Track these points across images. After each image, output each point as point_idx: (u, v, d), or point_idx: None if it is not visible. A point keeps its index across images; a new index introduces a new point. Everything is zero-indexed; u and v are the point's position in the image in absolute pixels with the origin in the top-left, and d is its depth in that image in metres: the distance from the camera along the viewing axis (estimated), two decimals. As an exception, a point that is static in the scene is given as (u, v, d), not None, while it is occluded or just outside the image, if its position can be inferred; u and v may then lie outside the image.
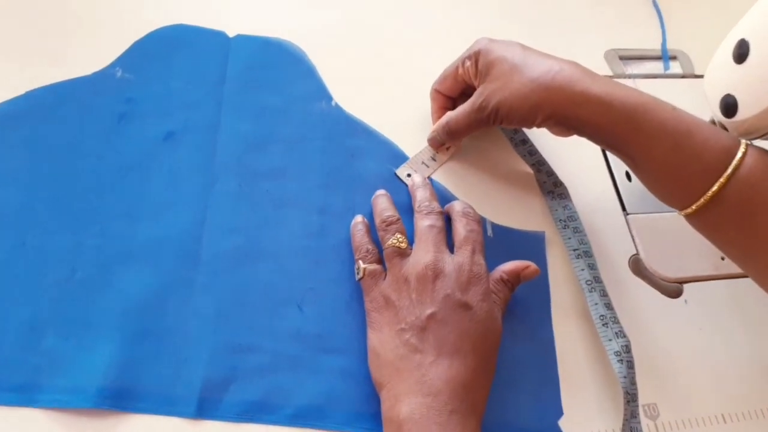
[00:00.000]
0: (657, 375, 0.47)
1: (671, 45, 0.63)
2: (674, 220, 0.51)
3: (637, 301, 0.50)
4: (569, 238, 0.50)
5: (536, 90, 0.44)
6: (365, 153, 0.52)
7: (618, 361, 0.44)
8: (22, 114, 0.49)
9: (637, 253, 0.52)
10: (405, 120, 0.55)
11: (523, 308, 0.47)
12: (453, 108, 0.51)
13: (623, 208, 0.54)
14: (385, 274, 0.44)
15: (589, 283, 0.48)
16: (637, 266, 0.51)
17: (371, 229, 0.48)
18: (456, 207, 0.48)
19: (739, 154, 0.39)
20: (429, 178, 0.52)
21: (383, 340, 0.42)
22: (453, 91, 0.52)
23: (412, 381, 0.39)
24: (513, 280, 0.45)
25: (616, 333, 0.45)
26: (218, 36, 0.56)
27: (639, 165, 0.43)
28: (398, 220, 0.47)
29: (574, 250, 0.50)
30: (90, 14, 0.55)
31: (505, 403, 0.44)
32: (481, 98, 0.47)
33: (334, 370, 0.43)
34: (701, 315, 0.50)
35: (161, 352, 0.42)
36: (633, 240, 0.52)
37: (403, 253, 0.44)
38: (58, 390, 0.40)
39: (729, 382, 0.48)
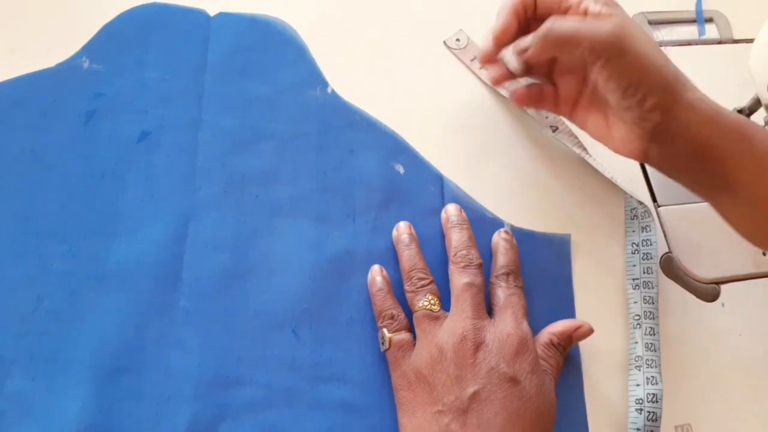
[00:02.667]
0: (691, 391, 0.42)
1: (707, 5, 0.55)
2: (710, 212, 0.45)
3: (668, 306, 0.44)
4: (633, 266, 0.44)
5: (657, 69, 0.35)
6: (366, 147, 0.46)
7: (637, 410, 0.39)
8: (-25, 116, 0.43)
9: (669, 252, 0.46)
10: (410, 108, 0.48)
11: (544, 321, 0.42)
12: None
13: (653, 199, 0.48)
14: (415, 343, 0.38)
15: (637, 318, 0.43)
16: (668, 266, 0.45)
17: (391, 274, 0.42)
18: (498, 264, 0.42)
19: None
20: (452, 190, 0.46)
21: (418, 426, 0.36)
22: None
23: None
24: (564, 343, 0.40)
25: (648, 378, 0.40)
26: (198, 15, 0.49)
27: (735, 196, 0.37)
28: (431, 280, 0.40)
29: (634, 279, 0.44)
30: (50, -4, 0.48)
31: None
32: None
33: (334, 403, 0.38)
34: (741, 319, 0.45)
35: (141, 390, 0.38)
36: (665, 236, 0.46)
37: (436, 318, 0.38)
38: (28, 438, 0.36)
39: (772, 397, 0.43)
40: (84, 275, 0.40)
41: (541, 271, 0.43)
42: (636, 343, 0.42)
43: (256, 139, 0.45)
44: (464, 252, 0.41)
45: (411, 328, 0.39)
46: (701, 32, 0.54)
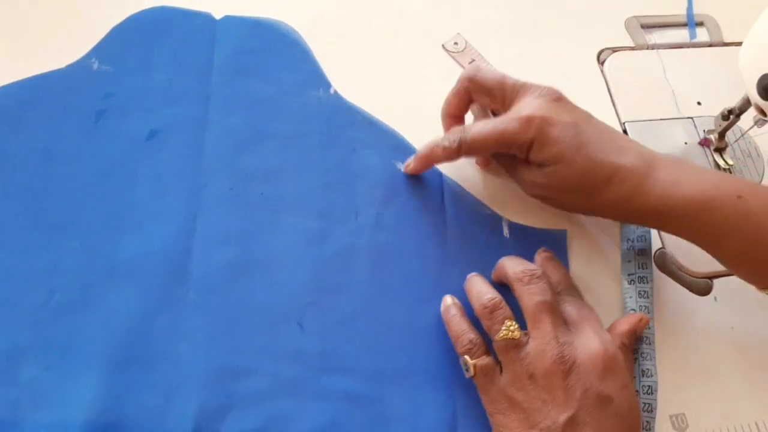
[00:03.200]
0: (685, 381, 0.43)
1: (697, 10, 0.56)
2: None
3: (662, 299, 0.45)
4: (629, 261, 0.45)
5: (595, 204, 0.41)
6: (368, 146, 0.47)
7: None
8: (-13, 115, 0.44)
9: (663, 247, 0.47)
10: (410, 108, 0.49)
11: None
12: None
13: (647, 196, 0.49)
14: (500, 367, 0.37)
15: (632, 312, 0.43)
16: (662, 261, 0.46)
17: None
18: (553, 280, 0.41)
19: None
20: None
21: None
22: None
23: None
24: (633, 341, 0.40)
25: (643, 371, 0.41)
26: (203, 18, 0.50)
27: (708, 253, 0.40)
28: (503, 303, 0.38)
29: (630, 274, 0.45)
30: (60, -1, 0.49)
31: None
32: (530, 179, 0.42)
33: (339, 393, 0.39)
34: (733, 313, 0.46)
35: (150, 379, 0.38)
36: (659, 232, 0.47)
37: (518, 345, 0.36)
38: (41, 426, 0.36)
39: (764, 387, 0.43)
40: (94, 269, 0.40)
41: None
42: None
43: (261, 138, 0.46)
44: (521, 268, 0.39)
45: (490, 350, 0.38)
46: (692, 35, 0.55)
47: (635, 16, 0.55)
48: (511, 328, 0.37)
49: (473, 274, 0.42)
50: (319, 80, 0.49)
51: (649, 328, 0.43)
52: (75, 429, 0.36)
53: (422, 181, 0.46)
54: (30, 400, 0.36)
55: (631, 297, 0.44)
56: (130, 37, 0.48)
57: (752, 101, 0.42)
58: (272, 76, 0.48)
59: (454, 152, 0.42)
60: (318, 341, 0.40)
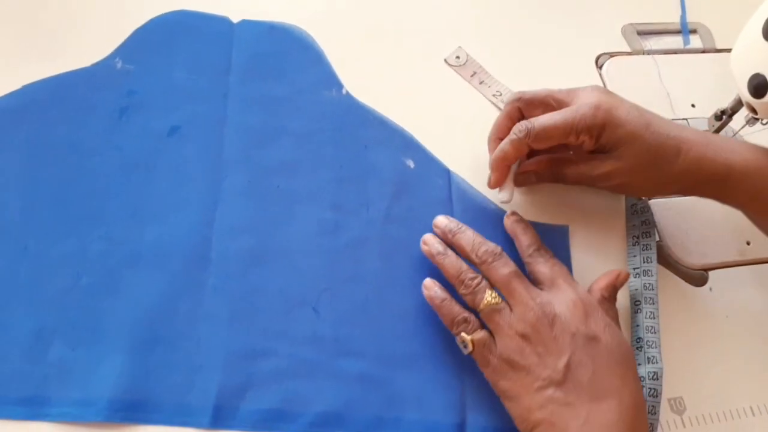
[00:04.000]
0: (682, 367, 0.44)
1: (691, 18, 0.58)
2: (698, 204, 0.47)
3: (660, 291, 0.46)
4: (634, 256, 0.46)
5: (666, 177, 0.42)
6: (379, 143, 0.48)
7: None
8: (18, 110, 0.45)
9: (660, 240, 0.48)
10: (420, 108, 0.50)
11: None
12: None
13: (644, 193, 0.50)
14: (493, 337, 0.39)
15: (637, 303, 0.44)
16: (660, 253, 0.47)
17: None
18: (523, 244, 0.43)
19: None
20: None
21: (527, 406, 0.37)
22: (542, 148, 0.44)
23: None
24: (613, 294, 0.42)
25: (648, 358, 0.42)
26: (222, 22, 0.51)
27: (760, 223, 0.43)
28: (481, 277, 0.40)
29: (635, 268, 0.46)
30: (87, 1, 0.50)
31: None
32: (605, 170, 0.43)
33: (352, 375, 0.40)
34: (727, 302, 0.47)
35: (173, 359, 0.39)
36: (656, 226, 0.48)
37: (502, 310, 0.39)
38: (68, 403, 0.37)
39: (758, 372, 0.45)
40: (119, 255, 0.41)
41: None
42: (637, 326, 0.43)
43: (277, 135, 0.47)
44: (483, 249, 0.41)
45: (483, 325, 0.40)
46: (686, 42, 0.57)
47: (631, 24, 0.57)
48: (493, 295, 0.39)
49: (440, 251, 0.42)
50: (332, 81, 0.50)
51: (654, 318, 0.44)
52: (101, 406, 0.37)
53: (430, 177, 0.47)
54: (58, 378, 0.38)
55: (636, 289, 0.45)
56: (151, 39, 0.49)
57: (743, 100, 0.43)
58: (287, 77, 0.49)
59: (524, 142, 0.42)
60: (332, 326, 0.41)
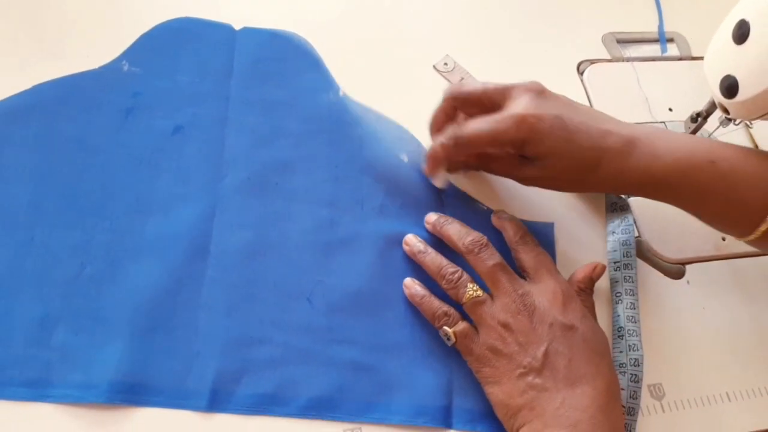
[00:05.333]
0: (662, 355, 0.43)
1: (668, 27, 0.58)
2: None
3: (640, 283, 0.45)
4: (615, 251, 0.46)
5: (589, 183, 0.41)
6: (374, 140, 0.47)
7: (621, 372, 0.40)
8: (29, 109, 0.44)
9: (639, 235, 0.47)
10: (411, 111, 0.48)
11: None
12: None
13: (624, 191, 0.49)
14: (474, 328, 0.39)
15: (618, 295, 0.44)
16: (639, 248, 0.47)
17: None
18: (510, 234, 0.43)
19: None
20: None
21: (507, 391, 0.37)
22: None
23: (549, 416, 0.35)
24: (589, 286, 0.41)
25: (630, 345, 0.41)
26: (224, 29, 0.50)
27: (690, 214, 0.41)
28: (462, 271, 0.40)
29: (615, 262, 0.45)
30: (96, 7, 0.50)
31: None
32: (527, 174, 0.42)
33: (344, 362, 0.39)
34: (704, 295, 0.46)
35: (172, 346, 0.38)
36: (635, 222, 0.47)
37: (484, 302, 0.38)
38: (70, 385, 0.36)
39: (733, 361, 0.44)
40: (122, 246, 0.40)
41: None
42: (618, 316, 0.43)
43: (276, 135, 0.46)
44: (469, 239, 0.40)
45: (464, 316, 0.39)
46: (664, 50, 0.56)
47: (611, 32, 0.56)
48: (474, 288, 0.39)
49: (421, 250, 0.41)
50: (329, 85, 0.49)
51: (634, 309, 0.43)
52: (102, 389, 0.36)
53: (422, 177, 0.46)
54: (61, 362, 0.37)
55: (617, 281, 0.44)
56: (157, 43, 0.48)
57: (716, 101, 0.42)
58: (287, 81, 0.48)
59: (452, 148, 0.41)
60: (326, 316, 0.40)
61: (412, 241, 0.42)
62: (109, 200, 0.42)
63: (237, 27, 0.50)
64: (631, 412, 0.39)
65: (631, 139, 0.39)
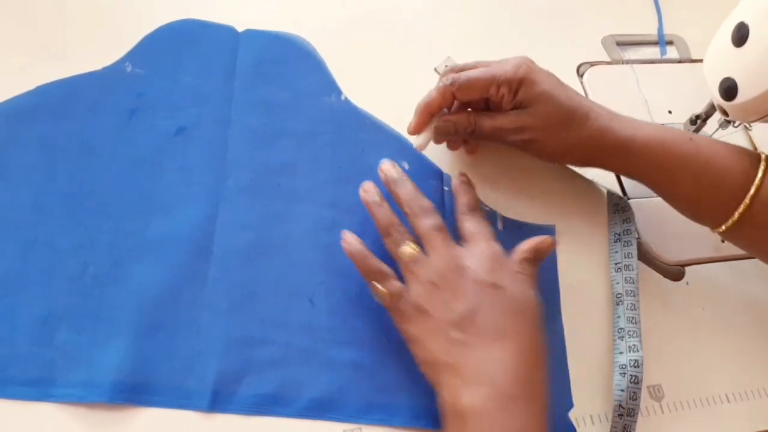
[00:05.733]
0: (661, 357, 0.42)
1: (667, 30, 0.57)
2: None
3: (640, 285, 0.44)
4: (616, 252, 0.45)
5: (574, 139, 0.41)
6: (375, 146, 0.46)
7: (621, 374, 0.40)
8: (32, 109, 0.43)
9: (639, 237, 0.46)
10: (412, 113, 0.47)
11: None
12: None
13: (624, 193, 0.49)
14: (405, 288, 0.38)
15: (619, 296, 0.43)
16: (638, 250, 0.46)
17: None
18: (461, 201, 0.42)
19: (760, 174, 0.37)
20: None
21: (429, 348, 0.36)
22: (470, 101, 0.44)
23: (468, 373, 0.34)
24: (533, 255, 0.40)
25: (630, 347, 0.41)
26: (227, 31, 0.49)
27: (665, 196, 0.42)
28: (407, 230, 0.39)
29: (616, 263, 0.44)
30: (100, 8, 0.49)
31: None
32: (519, 124, 0.42)
33: (345, 363, 0.38)
34: (703, 296, 0.45)
35: (174, 346, 0.37)
36: (636, 223, 0.47)
37: (419, 259, 0.38)
38: (73, 384, 0.36)
39: (732, 362, 0.43)
40: (126, 246, 0.39)
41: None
42: (619, 317, 0.42)
43: (279, 137, 0.45)
44: (417, 203, 0.40)
45: (398, 277, 0.39)
46: (663, 52, 0.56)
47: (611, 35, 0.55)
48: (413, 246, 0.38)
49: (377, 202, 0.40)
50: (332, 88, 0.48)
51: (635, 310, 0.42)
52: (104, 388, 0.35)
53: (424, 178, 0.45)
54: (64, 361, 0.36)
55: (618, 283, 0.43)
56: (160, 45, 0.47)
57: (716, 104, 0.42)
58: (289, 83, 0.48)
59: (449, 90, 0.42)
60: (327, 316, 0.40)
61: (371, 189, 0.41)
62: (112, 200, 0.41)
63: (240, 29, 0.50)
64: (631, 413, 0.39)
65: (613, 111, 0.42)
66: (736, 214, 0.37)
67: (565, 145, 0.42)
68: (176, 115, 0.45)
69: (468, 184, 0.43)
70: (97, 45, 0.47)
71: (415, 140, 0.44)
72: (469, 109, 0.44)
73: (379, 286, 0.38)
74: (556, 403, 0.39)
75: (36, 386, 0.35)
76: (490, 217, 0.45)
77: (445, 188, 0.45)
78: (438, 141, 0.45)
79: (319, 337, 0.39)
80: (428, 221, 0.39)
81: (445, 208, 0.44)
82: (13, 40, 0.46)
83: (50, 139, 0.42)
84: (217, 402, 0.36)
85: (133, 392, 0.36)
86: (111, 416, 0.35)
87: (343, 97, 0.48)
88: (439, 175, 0.46)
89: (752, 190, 0.37)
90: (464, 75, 0.41)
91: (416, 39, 0.53)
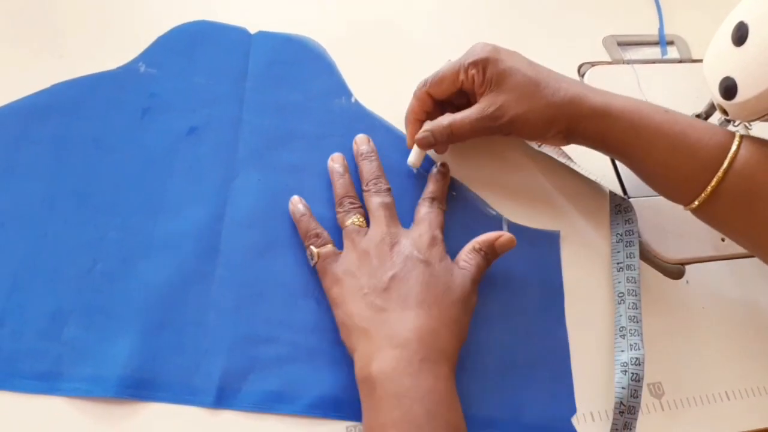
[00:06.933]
0: (661, 354, 0.39)
1: (668, 30, 0.52)
2: (674, 204, 0.41)
3: (641, 284, 0.40)
4: (618, 252, 0.41)
5: (552, 106, 0.37)
6: (384, 149, 0.42)
7: (622, 371, 0.36)
8: (47, 107, 0.40)
9: (640, 237, 0.42)
10: None
11: (536, 306, 0.39)
12: (433, 116, 0.40)
13: (624, 192, 0.45)
14: (339, 253, 0.36)
15: (621, 295, 0.39)
16: (640, 249, 0.42)
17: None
18: (428, 189, 0.40)
19: (734, 147, 0.34)
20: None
21: (348, 311, 0.34)
22: (445, 95, 0.40)
23: (380, 338, 0.32)
24: (486, 250, 0.37)
25: (631, 345, 0.37)
26: (240, 32, 0.46)
27: (640, 166, 0.38)
28: (360, 205, 0.38)
29: (618, 263, 0.41)
30: (115, 9, 0.45)
31: (519, 399, 0.36)
32: (494, 107, 0.37)
33: (350, 362, 0.35)
34: (703, 294, 0.41)
35: (181, 343, 0.34)
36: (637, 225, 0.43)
37: (359, 231, 0.37)
38: (80, 379, 0.33)
39: (732, 360, 0.39)
40: (134, 244, 0.36)
41: (534, 260, 0.40)
42: (620, 316, 0.38)
43: (289, 138, 0.42)
44: (374, 180, 0.39)
45: (334, 244, 0.37)
46: (664, 53, 0.51)
47: (612, 35, 0.51)
48: (359, 219, 0.37)
49: (338, 168, 0.40)
50: (342, 90, 0.45)
51: (636, 309, 0.38)
52: (111, 383, 0.32)
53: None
54: (71, 356, 0.33)
55: (620, 282, 0.40)
56: (173, 46, 0.44)
57: (716, 103, 0.38)
58: (300, 85, 0.44)
59: (423, 90, 0.40)
60: (332, 316, 0.36)
61: (338, 159, 0.40)
62: (121, 198, 0.38)
63: (252, 31, 0.46)
64: (632, 410, 0.35)
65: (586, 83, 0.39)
66: (709, 188, 0.34)
67: (545, 117, 0.37)
68: (188, 115, 0.42)
69: (443, 174, 0.41)
70: (111, 45, 0.43)
71: (409, 159, 0.41)
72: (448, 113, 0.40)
73: (313, 248, 0.36)
74: (559, 409, 0.36)
75: (44, 380, 0.32)
76: (496, 220, 0.41)
77: (453, 193, 0.42)
78: (426, 150, 0.41)
79: (324, 336, 0.36)
80: (379, 199, 0.38)
81: (451, 212, 0.41)
82: (28, 40, 0.43)
83: (63, 136, 0.39)
84: (223, 398, 0.33)
85: (139, 387, 0.33)
86: (117, 411, 0.32)
87: (353, 100, 0.44)
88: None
89: (726, 163, 0.33)
90: (434, 75, 0.40)
91: (425, 42, 0.49)
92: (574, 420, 0.35)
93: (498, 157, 0.44)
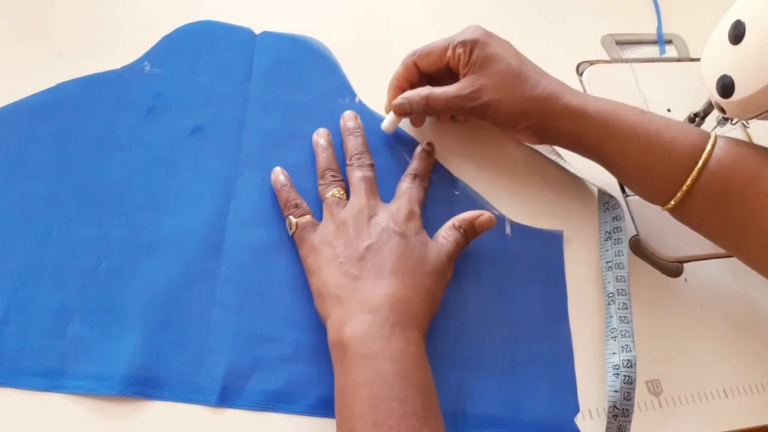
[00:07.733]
0: (659, 352, 0.37)
1: (666, 29, 0.50)
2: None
3: (639, 281, 0.39)
4: (606, 251, 0.39)
5: (527, 99, 0.36)
6: (388, 148, 0.40)
7: (614, 374, 0.34)
8: (52, 106, 0.38)
9: (637, 234, 0.40)
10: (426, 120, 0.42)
11: (540, 306, 0.37)
12: (417, 87, 0.39)
13: (623, 191, 0.43)
14: (318, 225, 0.35)
15: (611, 295, 0.37)
16: (637, 247, 0.40)
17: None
18: (412, 166, 0.38)
19: (708, 147, 0.32)
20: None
21: (323, 279, 0.32)
22: (430, 69, 0.39)
23: (353, 304, 0.31)
24: (465, 227, 0.35)
25: (622, 347, 0.35)
26: (245, 33, 0.43)
27: (615, 167, 0.36)
28: (341, 178, 0.37)
29: (607, 262, 0.38)
30: (120, 8, 0.43)
31: (523, 398, 0.34)
32: (472, 89, 0.36)
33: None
34: (701, 292, 0.39)
35: (185, 341, 0.33)
36: (633, 221, 0.41)
37: (339, 203, 0.35)
38: (84, 376, 0.31)
39: (730, 357, 0.37)
40: (138, 242, 0.34)
41: (537, 260, 0.38)
42: (611, 317, 0.36)
43: (293, 138, 0.40)
44: (358, 155, 0.37)
45: (313, 215, 0.36)
46: (662, 51, 0.49)
47: (610, 34, 0.49)
48: (340, 192, 0.36)
49: (323, 142, 0.38)
50: (346, 90, 0.42)
51: (627, 309, 0.36)
52: (115, 381, 0.31)
53: (437, 183, 0.40)
54: (75, 354, 0.31)
55: (609, 282, 0.38)
56: (178, 45, 0.42)
57: (713, 101, 0.36)
58: (305, 85, 0.42)
59: (410, 60, 0.39)
60: None
61: (323, 134, 0.39)
62: (126, 197, 0.36)
63: (257, 31, 0.44)
64: (625, 413, 0.33)
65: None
66: (684, 187, 0.33)
67: (519, 108, 0.36)
68: (192, 115, 0.39)
69: (428, 153, 0.39)
70: (116, 44, 0.41)
71: (383, 124, 0.40)
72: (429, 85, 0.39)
73: (292, 218, 0.35)
74: (562, 408, 0.34)
75: (48, 377, 0.31)
76: (499, 220, 0.39)
77: (456, 192, 0.40)
78: (400, 118, 0.40)
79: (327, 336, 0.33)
80: (361, 173, 0.36)
81: (454, 210, 0.38)
82: (33, 39, 0.41)
83: (67, 135, 0.37)
84: (226, 397, 0.31)
85: (143, 385, 0.31)
86: (121, 408, 0.31)
87: (357, 100, 0.42)
88: (451, 179, 0.40)
89: (700, 162, 0.32)
90: (422, 48, 0.38)
91: (425, 41, 0.46)
92: (577, 420, 0.33)
93: (501, 157, 0.42)
